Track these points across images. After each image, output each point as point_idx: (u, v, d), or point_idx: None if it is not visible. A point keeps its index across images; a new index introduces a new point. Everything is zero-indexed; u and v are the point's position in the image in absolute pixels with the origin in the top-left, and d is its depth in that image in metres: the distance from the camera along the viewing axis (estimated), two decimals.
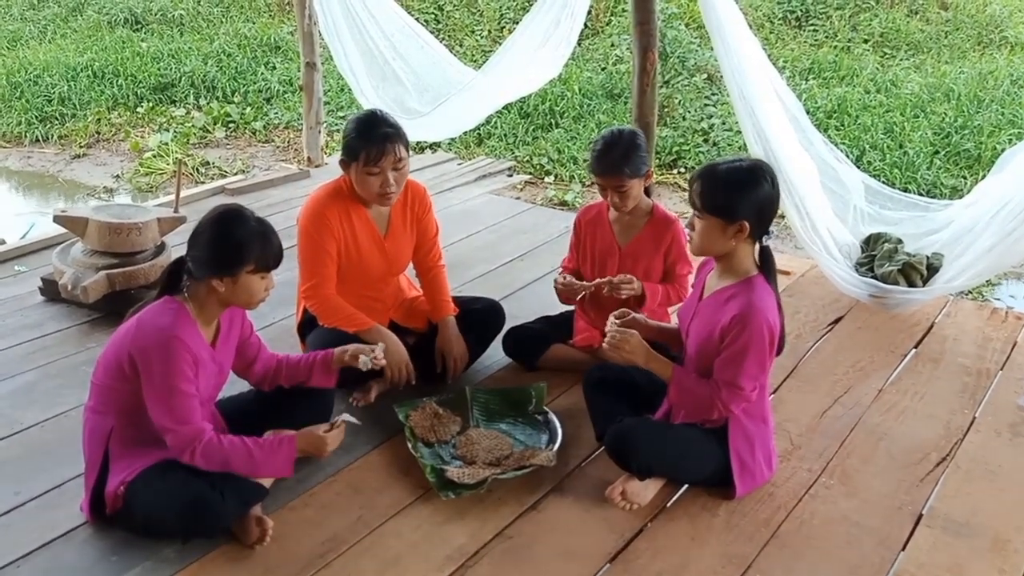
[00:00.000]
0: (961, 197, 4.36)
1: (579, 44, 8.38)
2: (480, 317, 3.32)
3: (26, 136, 8.13)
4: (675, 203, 6.35)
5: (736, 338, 2.40)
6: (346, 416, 2.55)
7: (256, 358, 2.68)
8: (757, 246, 2.49)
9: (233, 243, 2.33)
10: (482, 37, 9.68)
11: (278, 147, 7.88)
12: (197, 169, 7.26)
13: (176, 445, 2.32)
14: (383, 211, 3.14)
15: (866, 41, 9.00)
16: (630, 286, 3.07)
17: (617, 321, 2.64)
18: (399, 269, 3.28)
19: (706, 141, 7.19)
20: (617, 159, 3.00)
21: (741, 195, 2.38)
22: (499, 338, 3.38)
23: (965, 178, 6.30)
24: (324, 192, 3.10)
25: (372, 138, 2.89)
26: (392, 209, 3.15)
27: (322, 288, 3.06)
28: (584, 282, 3.17)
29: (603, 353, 3.23)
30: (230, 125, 8.23)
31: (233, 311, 2.55)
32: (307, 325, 3.22)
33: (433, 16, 10.03)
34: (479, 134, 7.53)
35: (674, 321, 3.03)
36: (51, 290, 3.90)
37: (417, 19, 6.15)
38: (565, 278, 3.23)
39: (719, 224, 2.41)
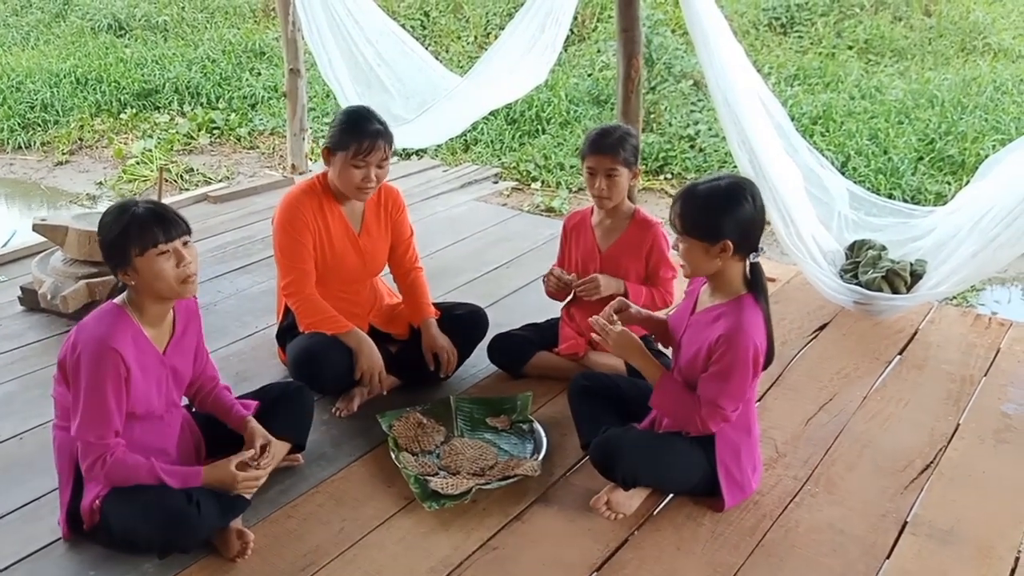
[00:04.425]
0: (945, 203, 4.38)
1: (565, 50, 8.41)
2: (463, 323, 3.31)
3: (8, 143, 8.06)
4: (662, 209, 6.34)
5: (721, 357, 2.41)
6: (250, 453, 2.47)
7: (202, 372, 2.63)
8: (747, 263, 2.47)
9: (113, 233, 2.29)
10: (468, 43, 9.69)
11: (263, 153, 7.85)
12: (181, 176, 7.22)
13: (84, 458, 2.29)
14: (356, 209, 3.15)
15: (851, 47, 9.05)
16: (595, 288, 3.10)
17: (616, 316, 2.63)
18: (375, 269, 3.28)
19: (692, 147, 7.20)
20: (613, 142, 3.03)
21: (721, 216, 2.38)
22: (484, 345, 3.37)
23: (949, 184, 6.32)
24: (298, 189, 3.12)
25: (364, 132, 2.92)
26: (365, 207, 3.17)
27: (302, 284, 3.06)
28: (567, 276, 3.20)
29: (588, 361, 3.26)
30: (214, 131, 8.19)
31: (189, 315, 2.52)
32: (286, 332, 3.21)
33: (419, 22, 10.03)
34: (465, 140, 7.52)
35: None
36: (31, 299, 3.86)
37: (403, 25, 6.14)
38: (554, 271, 3.25)
39: (701, 246, 2.41)
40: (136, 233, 2.26)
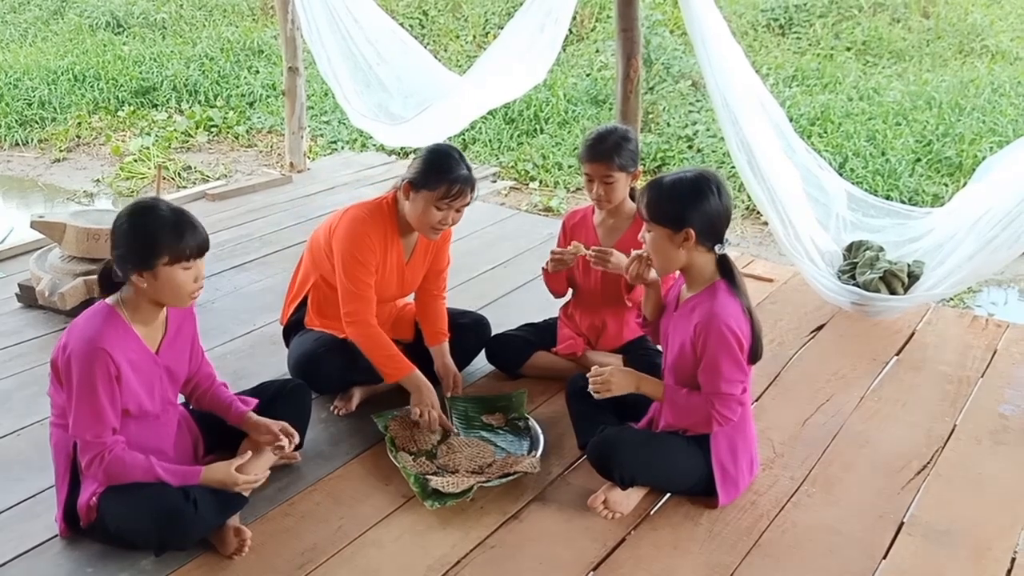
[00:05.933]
0: (942, 205, 4.38)
1: (564, 50, 8.39)
2: (467, 332, 3.30)
3: (5, 140, 8.04)
4: None
5: (704, 347, 2.44)
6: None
7: (197, 371, 2.62)
8: (715, 256, 2.49)
9: (145, 235, 2.25)
10: (467, 42, 9.69)
11: (261, 152, 7.84)
12: (179, 174, 7.21)
13: (82, 455, 2.29)
14: (412, 239, 3.10)
15: (849, 49, 9.06)
16: (607, 257, 3.00)
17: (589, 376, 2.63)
18: (407, 293, 3.25)
19: (690, 147, 7.20)
20: (608, 148, 3.02)
21: (684, 204, 2.43)
22: None
23: (946, 185, 6.33)
24: (365, 211, 3.01)
25: (456, 177, 2.85)
26: (420, 237, 3.11)
27: (364, 314, 2.98)
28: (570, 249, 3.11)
29: (586, 361, 3.26)
30: (212, 129, 8.18)
31: (183, 314, 2.51)
32: (292, 328, 3.19)
33: (418, 21, 10.03)
34: (463, 140, 7.52)
35: None
36: (28, 296, 3.85)
37: (401, 24, 6.13)
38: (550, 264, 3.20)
39: (667, 233, 2.45)
40: (169, 243, 2.24)
